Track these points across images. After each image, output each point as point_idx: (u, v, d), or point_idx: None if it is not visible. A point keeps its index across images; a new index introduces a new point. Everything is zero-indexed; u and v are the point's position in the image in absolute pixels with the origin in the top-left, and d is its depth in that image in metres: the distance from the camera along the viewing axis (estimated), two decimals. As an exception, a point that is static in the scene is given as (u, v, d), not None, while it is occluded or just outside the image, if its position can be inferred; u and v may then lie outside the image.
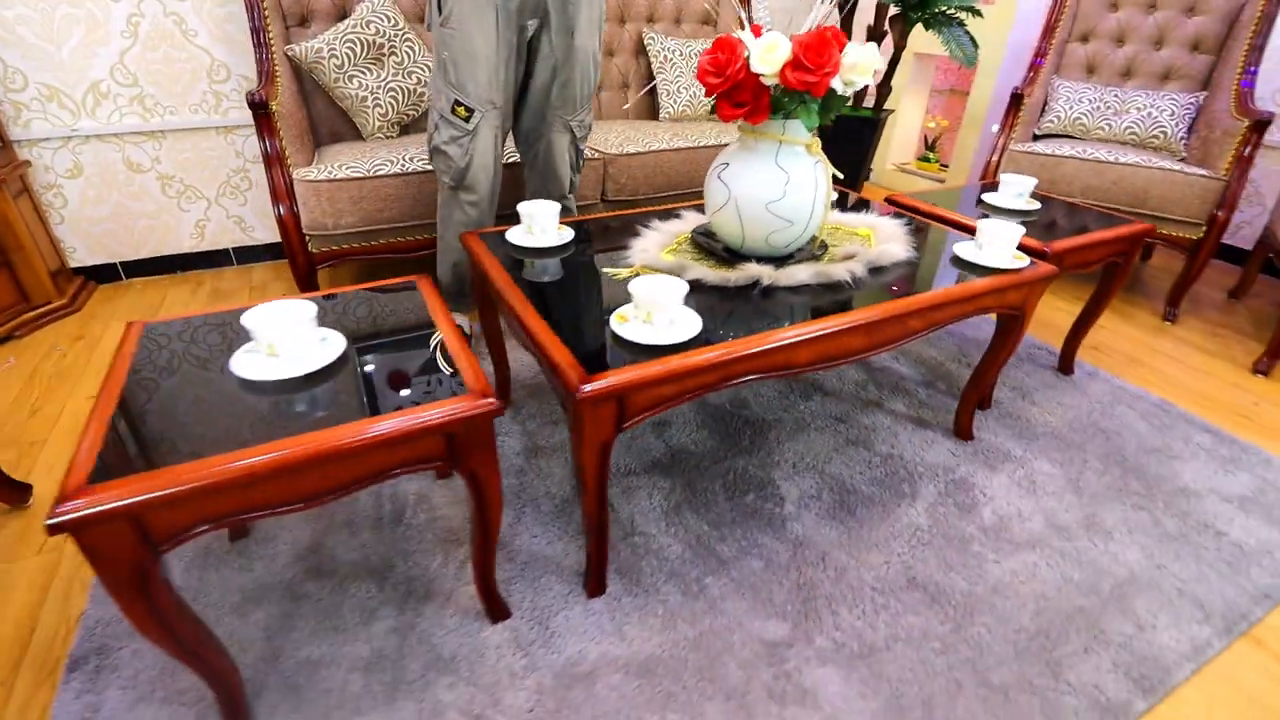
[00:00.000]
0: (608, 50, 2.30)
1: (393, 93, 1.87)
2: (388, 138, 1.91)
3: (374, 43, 1.84)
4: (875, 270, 1.18)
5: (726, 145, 1.96)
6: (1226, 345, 1.93)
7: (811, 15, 1.06)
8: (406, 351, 0.90)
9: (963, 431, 1.45)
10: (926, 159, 3.25)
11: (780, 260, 1.17)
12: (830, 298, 1.08)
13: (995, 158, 2.14)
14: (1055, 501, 1.29)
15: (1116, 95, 2.20)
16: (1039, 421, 1.54)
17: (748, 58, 1.01)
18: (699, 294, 1.06)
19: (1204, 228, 1.90)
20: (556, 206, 1.25)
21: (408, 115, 1.94)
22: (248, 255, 2.24)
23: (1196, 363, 1.83)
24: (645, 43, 2.27)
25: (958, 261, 1.23)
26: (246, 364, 0.81)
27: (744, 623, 1.03)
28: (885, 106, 2.52)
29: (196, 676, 0.82)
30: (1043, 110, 2.33)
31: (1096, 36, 2.30)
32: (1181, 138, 2.07)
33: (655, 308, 0.90)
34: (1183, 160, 2.02)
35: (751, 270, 1.10)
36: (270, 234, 2.22)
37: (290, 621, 1.01)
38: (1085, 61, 2.34)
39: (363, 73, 1.84)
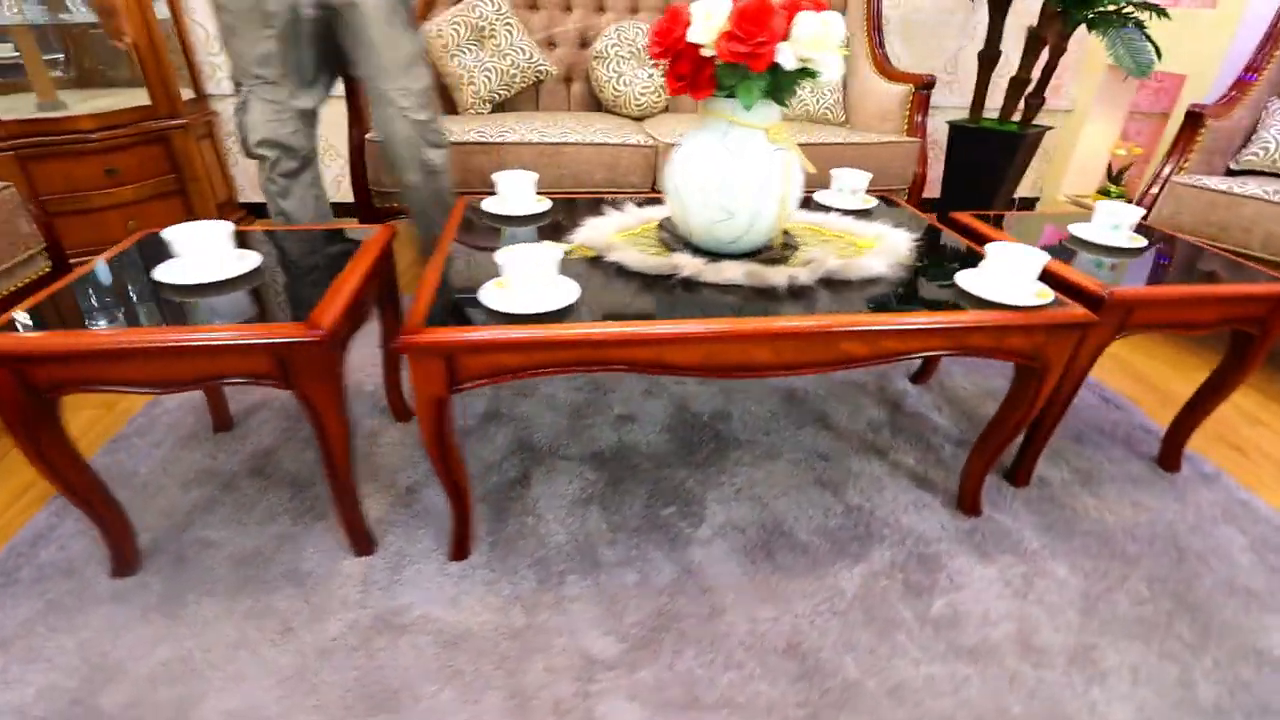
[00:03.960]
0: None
1: (487, 72, 2.01)
2: (478, 113, 2.06)
3: (477, 25, 2.00)
4: (838, 283, 1.01)
5: (818, 144, 1.82)
6: None
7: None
8: (307, 278, 0.97)
9: (965, 503, 1.19)
10: (1108, 192, 2.69)
11: (733, 257, 1.05)
12: (762, 302, 0.95)
13: (1155, 189, 1.70)
14: (1046, 615, 1.00)
15: (1366, 126, 1.63)
16: (1087, 517, 1.20)
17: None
18: (619, 279, 1.00)
19: None
20: (526, 176, 1.25)
21: (500, 94, 2.07)
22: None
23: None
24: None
25: (952, 287, 1.00)
26: (167, 272, 0.93)
27: (578, 630, 0.95)
28: (1036, 122, 2.13)
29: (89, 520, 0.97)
30: (1248, 140, 1.80)
31: (1351, 48, 1.73)
32: None
33: (514, 276, 0.87)
34: None
35: (675, 260, 1.00)
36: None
37: (212, 506, 1.15)
38: (1328, 81, 1.77)
39: (464, 52, 2.00)
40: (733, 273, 0.98)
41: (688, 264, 1.00)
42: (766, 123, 0.97)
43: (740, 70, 0.90)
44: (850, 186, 1.36)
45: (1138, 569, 1.09)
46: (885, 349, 0.93)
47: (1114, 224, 1.22)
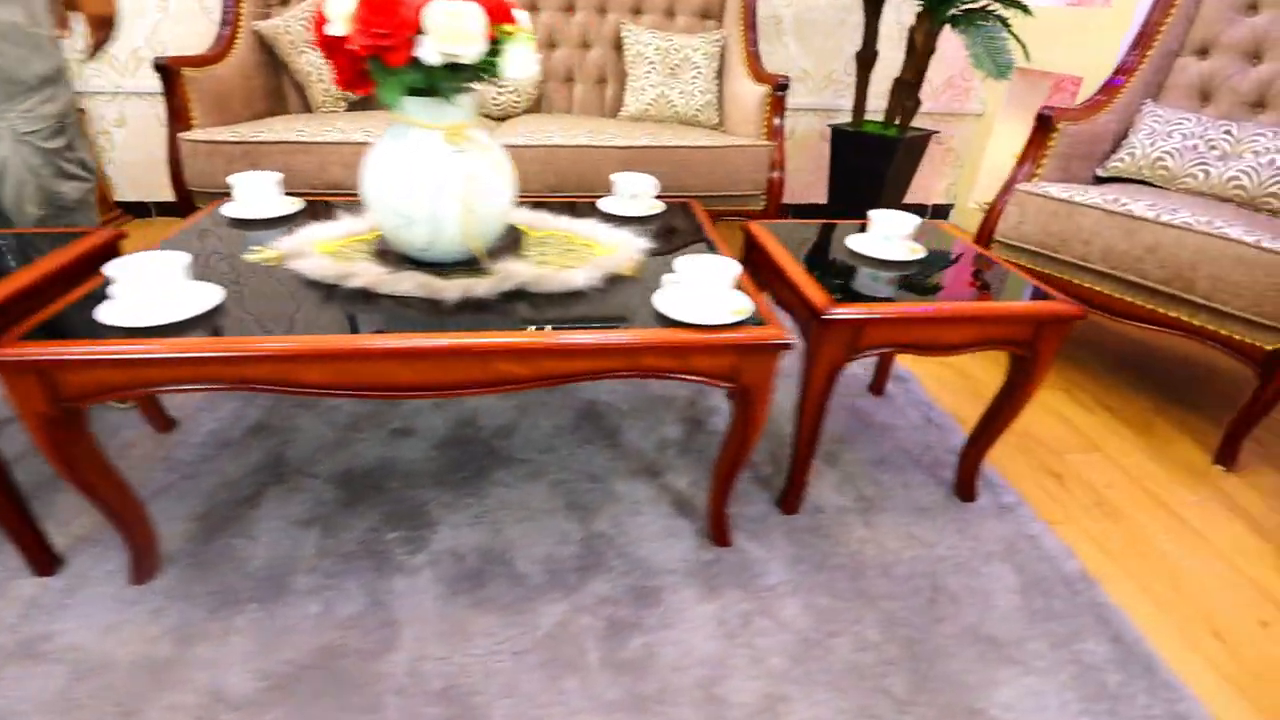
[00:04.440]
0: (582, 43, 2.17)
1: (336, 69, 1.95)
2: (330, 111, 2.00)
3: (325, 21, 1.94)
4: (539, 297, 0.93)
5: (646, 146, 1.74)
6: (1294, 525, 1.24)
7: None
8: None
9: (713, 532, 1.11)
10: (1019, 202, 2.58)
11: (443, 266, 0.98)
12: (439, 317, 0.87)
13: (1000, 199, 1.60)
14: (748, 660, 0.92)
15: (1228, 132, 1.53)
16: (849, 550, 1.11)
17: (344, 17, 0.85)
18: (303, 290, 0.93)
19: (1286, 337, 1.23)
20: (266, 177, 1.19)
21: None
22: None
23: (1222, 538, 1.20)
24: (622, 36, 2.09)
25: (645, 304, 0.92)
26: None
27: (225, 666, 0.88)
28: (914, 125, 2.04)
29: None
30: (1118, 145, 1.70)
31: (1219, 49, 1.62)
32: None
33: (124, 287, 0.80)
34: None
35: (351, 269, 0.93)
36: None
37: None
38: (1198, 83, 1.66)
39: (312, 49, 1.95)
40: (407, 284, 0.91)
41: (364, 274, 0.93)
42: (442, 123, 0.90)
43: (380, 64, 0.83)
44: (630, 191, 1.28)
45: (877, 610, 1.01)
46: (547, 370, 0.86)
47: (885, 235, 1.13)
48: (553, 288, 0.94)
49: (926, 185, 2.79)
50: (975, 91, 2.59)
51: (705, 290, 0.87)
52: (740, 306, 0.88)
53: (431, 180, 0.90)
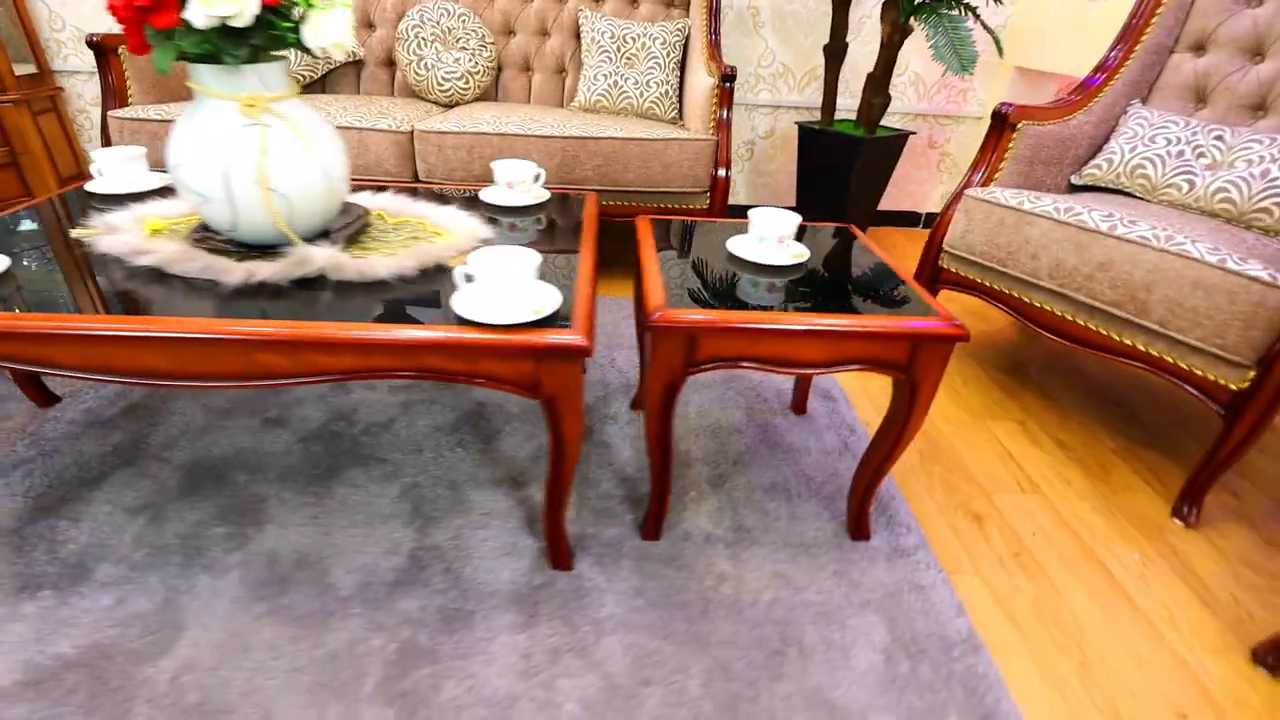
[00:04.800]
0: (541, 30, 2.09)
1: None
2: (280, 95, 1.97)
3: (276, 2, 1.92)
4: (354, 286, 0.85)
5: (574, 137, 1.65)
6: (1246, 600, 1.05)
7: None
8: None
9: (549, 554, 1.01)
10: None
11: (265, 250, 0.91)
12: (236, 302, 0.81)
13: (950, 205, 1.44)
14: (536, 704, 0.81)
15: (1220, 138, 1.33)
16: (702, 586, 1.00)
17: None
18: (88, 267, 0.88)
19: (1251, 370, 1.05)
20: (127, 152, 1.15)
21: (304, 75, 1.99)
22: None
23: (1157, 607, 1.03)
24: (579, 22, 2.00)
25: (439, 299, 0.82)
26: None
27: (-25, 660, 0.83)
28: (888, 125, 1.88)
29: None
30: (1099, 149, 1.52)
31: (1217, 45, 1.42)
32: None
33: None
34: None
35: (141, 246, 0.87)
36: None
37: None
38: (1193, 83, 1.46)
39: (263, 30, 1.93)
40: (193, 265, 0.85)
41: (157, 252, 0.87)
42: (237, 93, 0.83)
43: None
44: (506, 179, 1.19)
45: (709, 659, 0.89)
46: (313, 365, 0.77)
47: (760, 237, 1.01)
48: (350, 276, 0.86)
49: (920, 191, 2.61)
50: (974, 93, 2.40)
51: (503, 286, 0.77)
52: (541, 305, 0.79)
53: (223, 155, 0.83)
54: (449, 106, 1.98)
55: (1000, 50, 1.65)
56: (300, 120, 0.89)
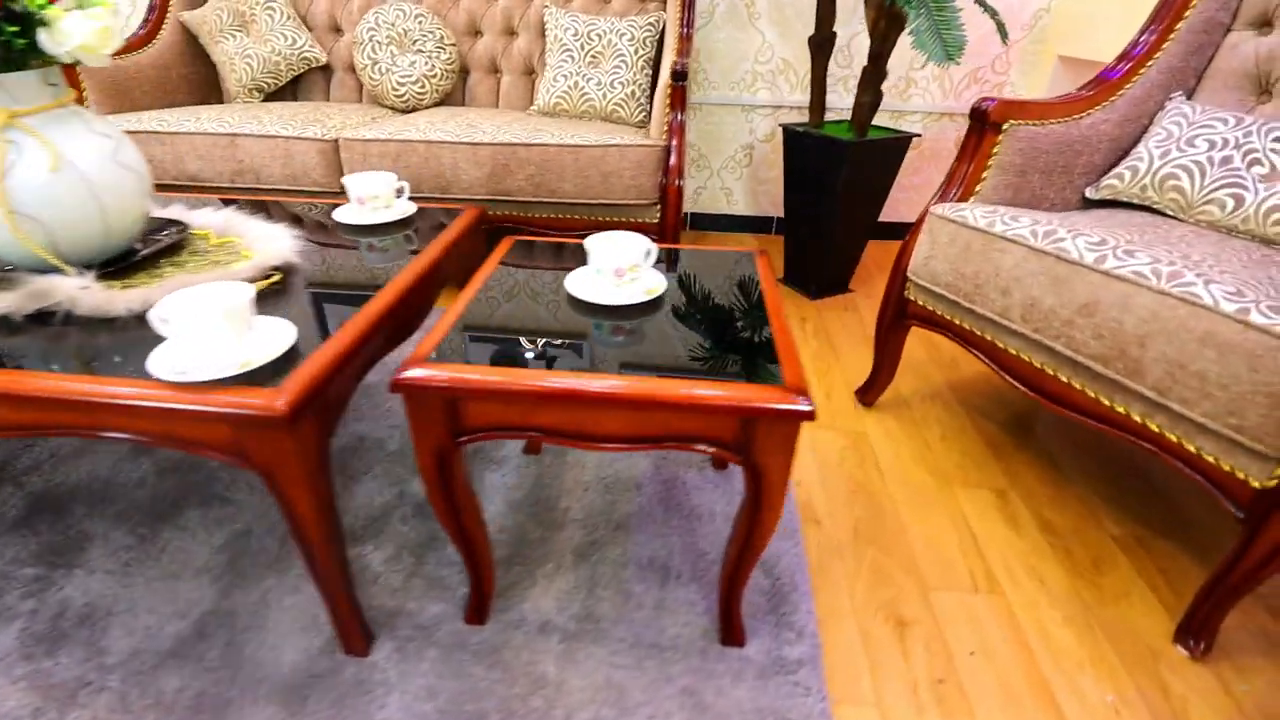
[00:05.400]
0: (508, 30, 1.95)
1: (248, 59, 1.90)
2: (245, 102, 1.95)
3: (237, 10, 1.89)
4: (87, 322, 0.75)
5: (504, 144, 1.50)
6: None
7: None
8: None
9: (341, 635, 0.86)
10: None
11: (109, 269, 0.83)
12: None
13: (917, 225, 1.18)
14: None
15: (1278, 141, 1.01)
16: (512, 693, 0.82)
17: None
18: None
19: (1278, 465, 0.75)
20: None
21: (267, 83, 1.95)
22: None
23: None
24: (544, 20, 1.85)
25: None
26: None
27: None
28: (886, 126, 1.61)
29: None
30: (1125, 155, 1.21)
31: (1286, 16, 1.08)
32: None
33: None
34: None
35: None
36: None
37: None
38: (1254, 69, 1.13)
39: (228, 38, 1.91)
40: (-74, 294, 0.76)
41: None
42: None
43: None
44: (356, 195, 1.05)
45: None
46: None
47: (596, 269, 0.81)
48: (85, 311, 0.75)
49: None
50: (1011, 87, 2.05)
51: (199, 332, 0.63)
52: (249, 358, 0.64)
53: (-38, 170, 0.74)
54: (406, 112, 1.89)
55: (1004, 35, 1.35)
56: (60, 137, 0.79)
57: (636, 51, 1.77)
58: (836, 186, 1.68)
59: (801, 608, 0.94)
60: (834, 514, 1.13)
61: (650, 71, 1.80)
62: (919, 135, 1.71)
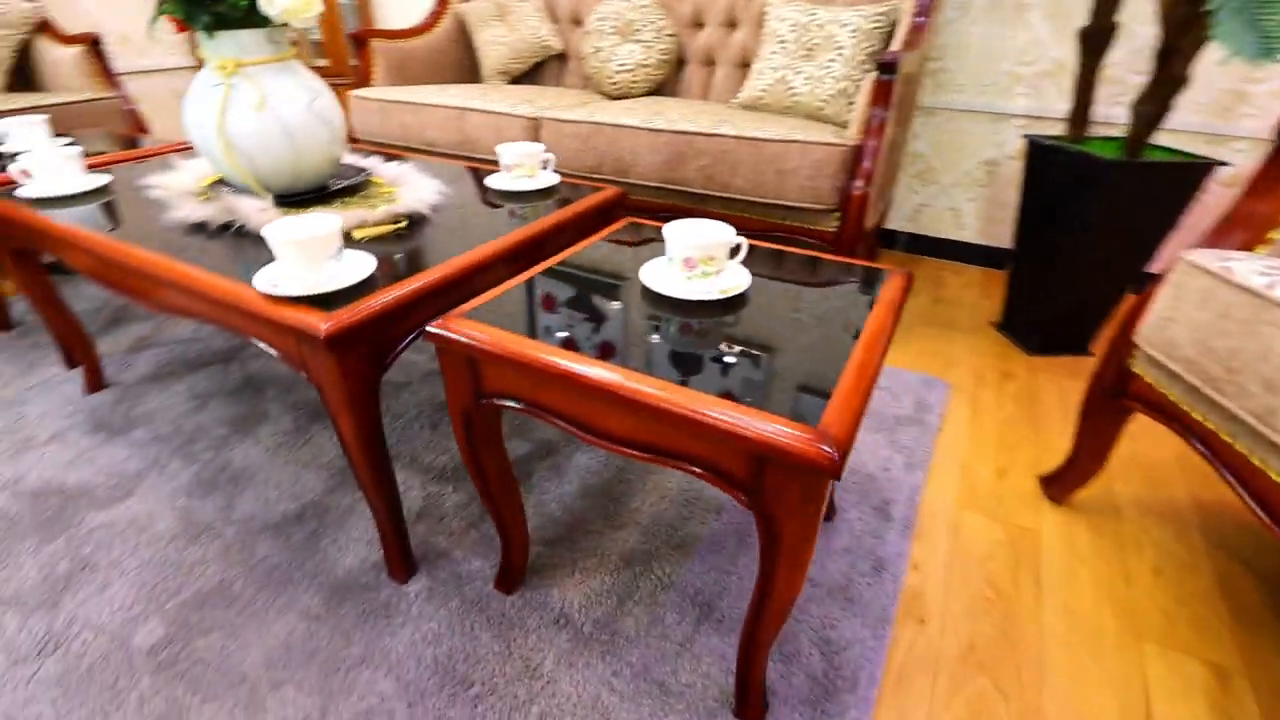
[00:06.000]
0: (728, 22, 1.88)
1: (500, 45, 2.14)
2: (493, 84, 2.21)
3: (500, 2, 2.13)
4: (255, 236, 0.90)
5: (680, 132, 1.45)
6: None
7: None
8: None
9: (391, 565, 0.91)
10: None
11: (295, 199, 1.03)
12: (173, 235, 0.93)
13: (1162, 276, 0.85)
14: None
15: None
16: (522, 669, 0.79)
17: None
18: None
19: None
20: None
21: (514, 67, 2.17)
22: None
23: None
24: (764, 11, 1.75)
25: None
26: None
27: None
28: (1149, 142, 1.21)
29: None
30: None
31: None
32: None
33: None
34: None
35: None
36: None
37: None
38: None
39: (489, 26, 2.17)
40: (183, 210, 0.98)
41: (168, 190, 1.03)
42: (216, 56, 0.93)
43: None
44: (505, 162, 1.10)
45: (429, 763, 0.70)
46: (168, 301, 0.82)
47: (669, 257, 0.72)
48: (255, 229, 0.89)
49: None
50: None
51: (294, 253, 0.71)
52: (324, 285, 0.70)
53: (206, 112, 0.94)
54: (617, 99, 1.96)
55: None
56: (269, 85, 0.95)
57: (859, 44, 1.59)
58: (1088, 218, 1.32)
59: (851, 714, 0.75)
60: (947, 618, 0.89)
61: (873, 68, 1.60)
62: (1226, 164, 1.25)
